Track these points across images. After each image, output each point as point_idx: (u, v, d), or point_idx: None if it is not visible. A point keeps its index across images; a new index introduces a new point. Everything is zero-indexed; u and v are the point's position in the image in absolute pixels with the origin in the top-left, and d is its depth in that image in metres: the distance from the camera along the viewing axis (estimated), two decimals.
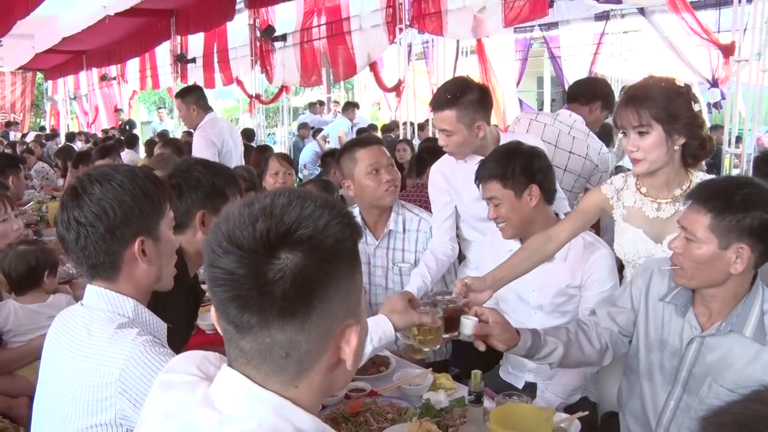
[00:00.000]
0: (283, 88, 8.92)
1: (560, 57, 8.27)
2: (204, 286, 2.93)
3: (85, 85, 15.07)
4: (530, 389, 2.10)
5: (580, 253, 2.06)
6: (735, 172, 4.55)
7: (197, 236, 1.78)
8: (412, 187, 3.87)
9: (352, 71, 7.81)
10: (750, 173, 3.64)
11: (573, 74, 7.18)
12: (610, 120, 3.20)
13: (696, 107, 1.73)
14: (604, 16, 7.47)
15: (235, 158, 4.48)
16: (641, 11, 6.33)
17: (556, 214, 2.16)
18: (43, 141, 11.33)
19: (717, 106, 4.77)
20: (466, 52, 7.94)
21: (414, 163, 4.08)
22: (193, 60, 10.01)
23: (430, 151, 3.61)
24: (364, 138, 2.68)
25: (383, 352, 2.06)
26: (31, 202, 5.22)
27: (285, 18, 8.40)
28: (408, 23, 6.61)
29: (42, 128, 15.61)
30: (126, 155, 6.86)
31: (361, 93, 13.40)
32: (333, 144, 8.86)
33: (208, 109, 4.51)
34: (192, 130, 4.76)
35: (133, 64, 12.63)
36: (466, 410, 1.60)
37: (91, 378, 1.17)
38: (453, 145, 2.29)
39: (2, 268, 2.41)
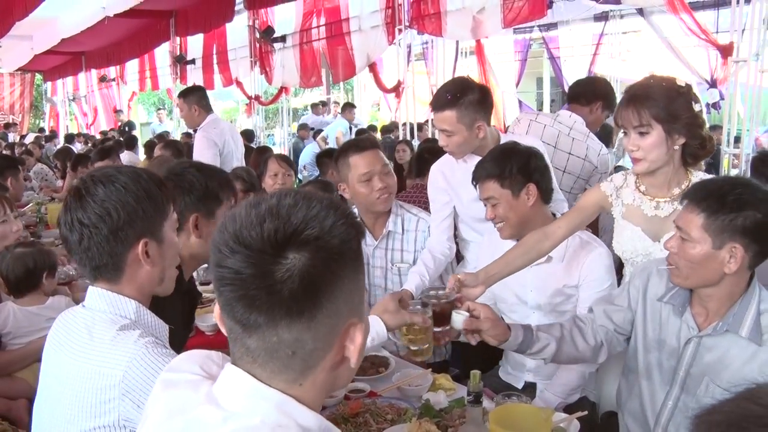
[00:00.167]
0: (283, 89, 8.93)
1: (559, 57, 8.30)
2: (201, 288, 2.95)
3: (84, 86, 15.05)
4: (529, 389, 2.11)
5: (577, 252, 2.06)
6: (734, 172, 4.56)
7: (191, 240, 1.74)
8: (412, 188, 3.87)
9: (352, 72, 7.82)
10: (748, 174, 3.64)
11: (572, 75, 7.20)
12: (609, 120, 3.21)
13: (696, 107, 1.73)
14: (603, 17, 7.48)
15: (236, 159, 4.48)
16: (640, 12, 6.35)
17: (554, 215, 2.16)
18: (42, 142, 11.32)
19: (715, 106, 4.78)
20: (466, 52, 7.95)
21: (414, 164, 4.08)
22: (193, 61, 10.00)
23: (432, 152, 3.61)
24: (360, 142, 2.52)
25: (382, 352, 2.07)
26: (30, 204, 5.22)
27: (284, 19, 8.41)
28: (407, 24, 6.61)
29: (41, 129, 15.59)
30: (125, 157, 6.86)
31: (361, 94, 13.41)
32: (332, 145, 8.86)
33: (209, 109, 4.51)
34: (192, 131, 4.76)
35: (132, 66, 12.63)
36: (466, 410, 1.61)
37: (93, 380, 1.17)
38: (453, 146, 2.29)
39: (0, 270, 2.41)
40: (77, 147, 10.29)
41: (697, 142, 1.75)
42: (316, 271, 0.77)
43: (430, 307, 1.75)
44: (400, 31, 6.62)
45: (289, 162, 3.64)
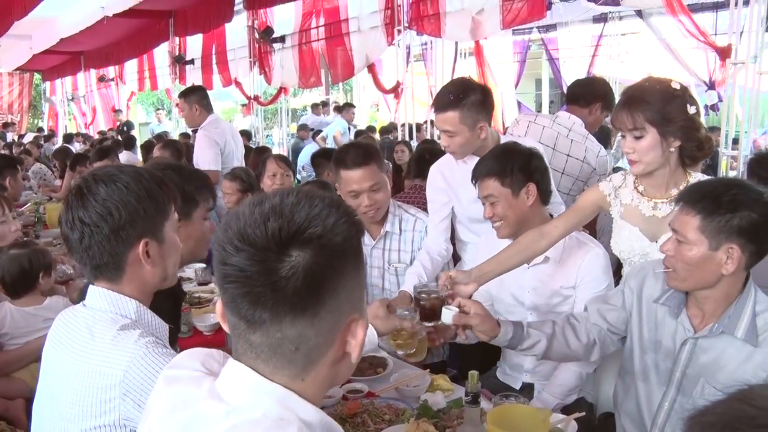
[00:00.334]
0: (282, 90, 8.93)
1: (558, 59, 8.31)
2: (198, 288, 2.95)
3: (83, 86, 15.04)
4: (527, 390, 2.11)
5: (574, 253, 2.07)
6: (732, 173, 4.57)
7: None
8: (410, 189, 3.88)
9: (351, 73, 7.83)
10: (746, 176, 3.65)
11: (571, 76, 7.20)
12: (607, 121, 3.21)
13: (692, 109, 1.73)
14: (602, 18, 7.50)
15: (237, 159, 4.49)
16: (639, 13, 6.37)
17: (551, 216, 2.16)
18: (41, 142, 11.30)
19: (714, 108, 4.79)
20: (465, 53, 7.97)
21: (413, 165, 4.07)
22: (192, 61, 10.00)
23: (432, 153, 3.61)
24: (354, 157, 2.32)
25: (380, 353, 2.07)
26: (29, 204, 5.22)
27: (283, 19, 8.42)
28: (406, 25, 6.63)
29: (40, 129, 15.57)
30: (124, 156, 6.85)
31: (360, 94, 13.42)
32: (330, 145, 8.86)
33: (210, 109, 4.52)
34: (190, 132, 4.75)
35: (131, 66, 12.63)
36: (463, 411, 1.61)
37: (94, 379, 1.17)
38: (455, 146, 2.30)
39: None
40: (76, 147, 10.26)
41: (693, 144, 1.76)
42: (319, 268, 0.78)
43: (417, 312, 1.76)
44: (399, 31, 6.63)
45: (288, 162, 3.63)
